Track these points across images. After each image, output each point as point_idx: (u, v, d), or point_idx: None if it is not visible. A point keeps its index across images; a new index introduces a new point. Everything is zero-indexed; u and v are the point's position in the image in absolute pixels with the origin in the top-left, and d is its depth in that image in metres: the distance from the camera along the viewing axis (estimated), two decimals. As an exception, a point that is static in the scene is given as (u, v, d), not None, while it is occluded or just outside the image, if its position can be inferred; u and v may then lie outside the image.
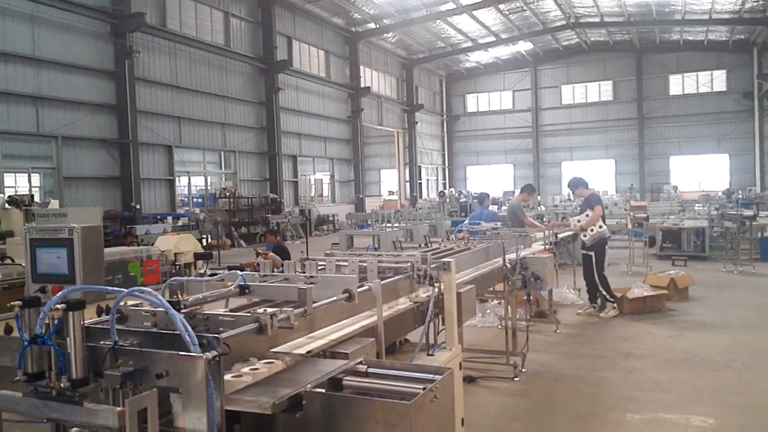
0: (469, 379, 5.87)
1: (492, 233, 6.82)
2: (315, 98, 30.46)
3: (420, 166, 41.43)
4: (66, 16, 17.85)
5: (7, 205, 10.31)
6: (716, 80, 38.49)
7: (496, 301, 8.38)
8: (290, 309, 2.49)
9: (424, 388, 2.06)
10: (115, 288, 2.08)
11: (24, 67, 16.91)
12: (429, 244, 6.03)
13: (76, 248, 2.12)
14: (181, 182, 24.41)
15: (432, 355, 3.68)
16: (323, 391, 2.13)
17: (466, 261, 5.12)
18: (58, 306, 1.88)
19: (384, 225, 17.04)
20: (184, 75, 22.41)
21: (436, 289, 3.73)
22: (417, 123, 40.30)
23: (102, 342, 1.99)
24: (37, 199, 13.91)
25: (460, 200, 31.04)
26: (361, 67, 33.85)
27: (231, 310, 2.86)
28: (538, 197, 27.16)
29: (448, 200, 30.89)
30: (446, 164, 46.04)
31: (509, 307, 6.46)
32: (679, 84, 39.44)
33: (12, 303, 1.99)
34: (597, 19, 35.24)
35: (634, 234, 13.76)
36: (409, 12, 31.60)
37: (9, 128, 16.67)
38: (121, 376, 1.88)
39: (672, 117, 39.18)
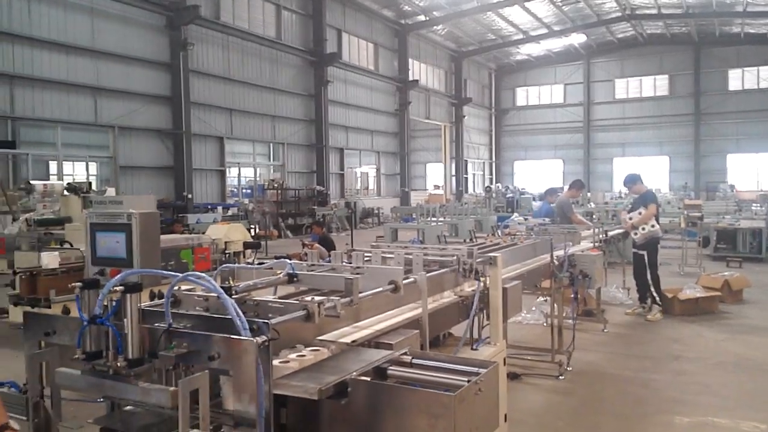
0: (512, 376, 5.82)
1: (540, 229, 6.74)
2: (363, 91, 30.55)
3: (466, 161, 41.11)
4: (124, 8, 18.37)
5: (66, 192, 10.70)
6: (778, 75, 36.98)
7: (542, 298, 8.29)
8: (337, 298, 2.53)
9: (468, 381, 2.06)
10: (170, 272, 2.15)
11: (83, 59, 17.48)
12: (474, 240, 6.00)
13: (134, 233, 2.21)
14: (231, 173, 24.89)
15: (476, 349, 3.67)
16: (368, 379, 2.16)
17: (512, 256, 5.07)
18: (117, 288, 1.96)
19: (429, 219, 17.01)
20: (236, 67, 22.79)
21: (482, 284, 3.72)
22: (464, 117, 39.97)
23: (156, 324, 2.06)
24: (94, 187, 14.40)
25: (507, 196, 30.66)
26: (410, 60, 33.74)
27: (279, 298, 2.92)
28: (588, 194, 26.64)
29: (494, 195, 30.57)
30: (493, 159, 45.57)
31: (555, 305, 6.38)
32: (738, 79, 37.98)
33: (73, 284, 2.08)
34: (654, 11, 34.22)
35: (687, 234, 13.38)
36: (459, 4, 31.30)
37: (69, 118, 17.29)
38: (175, 357, 1.95)
39: (730, 113, 37.77)
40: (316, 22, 26.45)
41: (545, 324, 7.83)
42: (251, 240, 9.46)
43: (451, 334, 5.37)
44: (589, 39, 39.09)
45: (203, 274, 2.07)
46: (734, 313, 8.84)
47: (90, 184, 13.12)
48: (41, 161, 19.97)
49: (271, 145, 25.87)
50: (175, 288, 2.22)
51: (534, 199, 27.13)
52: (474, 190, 40.93)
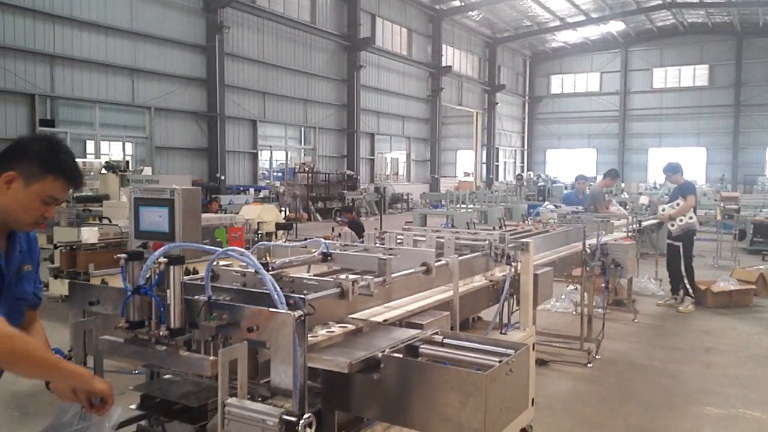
0: (540, 362, 5.83)
1: (572, 217, 6.70)
2: (395, 76, 30.45)
3: (498, 148, 40.79)
4: (162, -9, 18.62)
5: (104, 170, 10.96)
6: (825, 66, 35.80)
7: (572, 287, 8.25)
8: (370, 277, 2.58)
9: (500, 361, 2.09)
10: (211, 247, 2.21)
11: (122, 40, 17.77)
12: (504, 227, 5.99)
13: (177, 208, 2.26)
14: (263, 156, 25.12)
15: (505, 334, 3.70)
16: (400, 356, 2.20)
17: (544, 243, 5.07)
18: (161, 260, 2.03)
19: (458, 206, 16.96)
20: (270, 51, 22.91)
21: (513, 269, 3.73)
22: (497, 104, 39.60)
23: (197, 297, 2.12)
24: (130, 166, 14.71)
25: (539, 184, 30.37)
26: (443, 46, 33.49)
27: (313, 275, 2.97)
28: (622, 184, 26.25)
29: (525, 183, 30.30)
30: (525, 147, 45.11)
31: (586, 293, 6.35)
32: (782, 70, 36.93)
33: (118, 255, 2.16)
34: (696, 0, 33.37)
35: (723, 226, 13.12)
36: (495, -10, 30.98)
37: (107, 98, 17.62)
38: (216, 328, 2.01)
39: (772, 105, 36.79)
40: (351, 6, 26.40)
41: (574, 312, 7.81)
42: (283, 221, 9.62)
43: (480, 318, 5.39)
44: (628, 27, 38.31)
45: (243, 250, 2.13)
46: (769, 307, 8.69)
47: (127, 163, 13.41)
48: (79, 140, 20.41)
49: (303, 128, 26.01)
50: (215, 263, 2.29)
51: (566, 188, 26.85)
52: (504, 178, 40.61)
